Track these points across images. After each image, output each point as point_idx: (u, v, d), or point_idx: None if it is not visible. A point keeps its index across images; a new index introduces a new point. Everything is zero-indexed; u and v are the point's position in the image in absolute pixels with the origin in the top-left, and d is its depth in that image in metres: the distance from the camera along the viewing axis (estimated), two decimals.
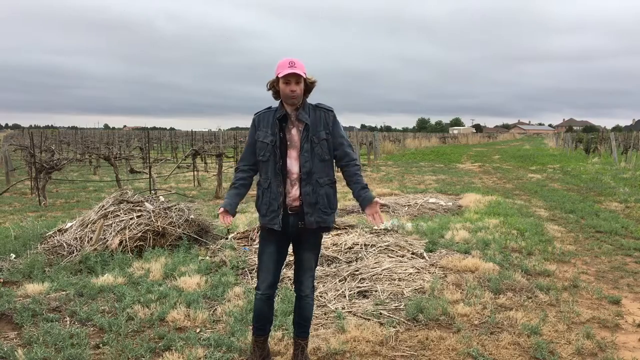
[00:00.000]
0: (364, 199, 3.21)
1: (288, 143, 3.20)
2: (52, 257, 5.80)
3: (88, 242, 6.01)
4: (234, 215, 3.27)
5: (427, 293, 4.82)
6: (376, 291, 4.87)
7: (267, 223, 3.24)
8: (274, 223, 3.20)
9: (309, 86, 3.18)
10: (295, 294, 3.48)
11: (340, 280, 5.14)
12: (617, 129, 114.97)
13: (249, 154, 3.32)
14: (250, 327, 4.01)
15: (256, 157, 3.28)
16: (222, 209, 3.22)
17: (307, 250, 3.33)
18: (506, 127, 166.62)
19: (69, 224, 6.63)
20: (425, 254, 6.04)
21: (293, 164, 3.20)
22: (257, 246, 6.54)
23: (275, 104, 3.28)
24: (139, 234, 6.15)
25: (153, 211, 6.46)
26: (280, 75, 3.08)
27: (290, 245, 3.42)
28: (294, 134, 3.20)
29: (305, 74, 3.12)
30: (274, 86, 3.18)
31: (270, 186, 3.20)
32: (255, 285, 3.61)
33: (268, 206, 3.22)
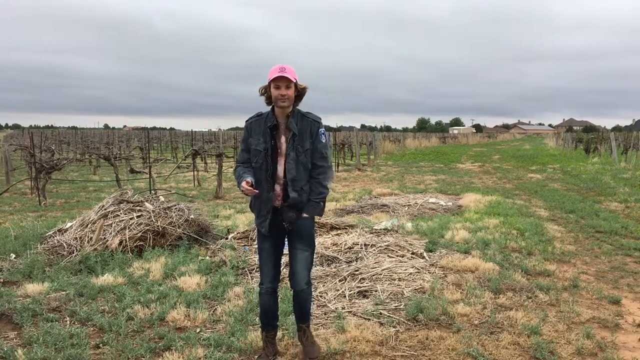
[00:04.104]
0: (307, 208, 3.39)
1: (279, 151, 3.36)
2: (52, 257, 5.80)
3: (88, 242, 6.00)
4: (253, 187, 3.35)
5: (427, 293, 4.82)
6: (376, 291, 4.87)
7: (258, 225, 3.48)
8: (262, 227, 3.42)
9: (300, 92, 3.32)
10: (292, 290, 3.57)
11: (340, 280, 5.13)
12: (617, 129, 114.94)
13: (245, 156, 3.46)
14: (250, 327, 4.03)
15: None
16: (247, 180, 3.26)
17: (299, 245, 3.46)
18: (506, 127, 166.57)
19: (69, 224, 6.63)
20: (425, 254, 6.03)
21: (281, 170, 3.37)
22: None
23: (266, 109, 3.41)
24: (139, 234, 6.15)
25: (153, 211, 6.46)
26: (270, 79, 3.23)
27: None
28: (283, 142, 3.37)
29: (296, 79, 3.26)
30: (266, 91, 3.32)
31: (261, 192, 3.35)
32: (256, 283, 3.60)
33: (259, 210, 3.43)
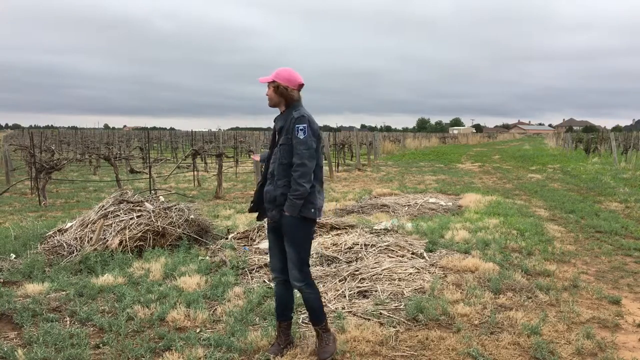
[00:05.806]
0: (286, 205, 3.38)
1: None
2: (52, 257, 5.79)
3: (88, 242, 6.00)
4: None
5: (427, 293, 4.81)
6: (376, 291, 4.87)
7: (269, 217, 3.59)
8: (265, 217, 3.59)
9: (278, 91, 3.41)
10: None
11: (340, 280, 5.13)
12: (617, 129, 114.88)
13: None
14: (250, 327, 4.04)
15: None
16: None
17: (286, 242, 3.50)
18: (506, 127, 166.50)
19: (69, 224, 6.63)
20: (425, 254, 6.03)
21: None
22: (257, 246, 6.56)
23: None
24: (139, 234, 6.15)
25: (153, 211, 6.46)
26: None
27: None
28: (277, 138, 3.54)
29: (275, 80, 3.39)
30: None
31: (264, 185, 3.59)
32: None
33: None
